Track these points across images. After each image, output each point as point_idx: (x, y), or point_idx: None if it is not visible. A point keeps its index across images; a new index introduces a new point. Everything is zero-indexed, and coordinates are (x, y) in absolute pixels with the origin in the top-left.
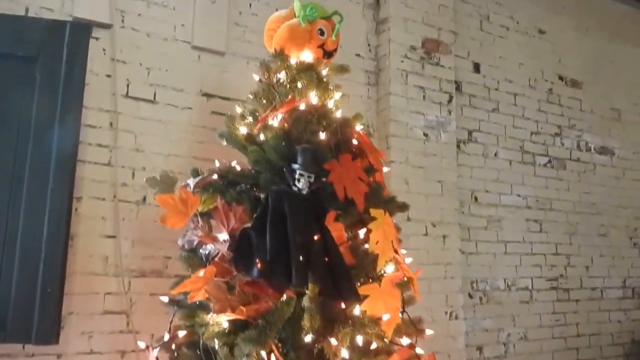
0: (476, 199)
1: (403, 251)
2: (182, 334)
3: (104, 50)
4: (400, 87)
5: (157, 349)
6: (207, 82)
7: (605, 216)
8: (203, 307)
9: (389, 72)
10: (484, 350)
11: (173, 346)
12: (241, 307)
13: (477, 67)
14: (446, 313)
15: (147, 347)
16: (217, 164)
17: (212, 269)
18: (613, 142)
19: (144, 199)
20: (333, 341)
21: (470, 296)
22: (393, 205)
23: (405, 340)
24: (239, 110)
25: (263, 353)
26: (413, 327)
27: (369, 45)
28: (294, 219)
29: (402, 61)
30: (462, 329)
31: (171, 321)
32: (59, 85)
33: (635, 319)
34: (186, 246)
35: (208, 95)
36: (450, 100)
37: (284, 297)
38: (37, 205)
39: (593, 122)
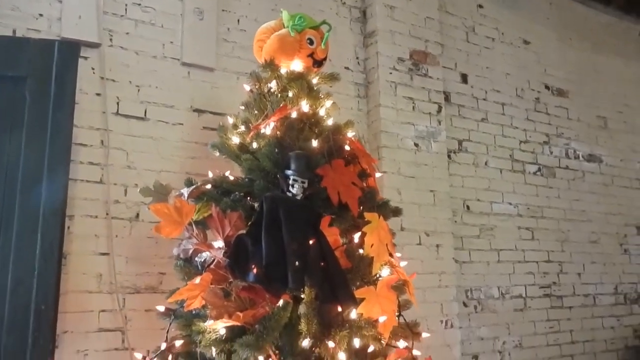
0: (468, 207)
1: (398, 254)
2: (179, 343)
3: (92, 69)
4: (390, 99)
5: (154, 359)
6: (197, 98)
7: (595, 223)
8: (199, 315)
9: (378, 84)
10: (480, 359)
11: (170, 357)
12: (238, 313)
13: (464, 78)
14: (441, 322)
15: (144, 357)
16: (210, 174)
17: (208, 276)
18: (600, 150)
19: (137, 215)
20: (330, 344)
21: (465, 305)
22: (387, 210)
23: (402, 344)
24: (230, 120)
25: (261, 358)
26: (409, 330)
27: (357, 58)
28: (289, 224)
29: (391, 73)
30: (458, 338)
31: (167, 331)
32: (49, 105)
33: (628, 325)
34: (181, 255)
35: (199, 111)
36: (439, 111)
37: (281, 302)
38: (30, 223)
39: (580, 131)
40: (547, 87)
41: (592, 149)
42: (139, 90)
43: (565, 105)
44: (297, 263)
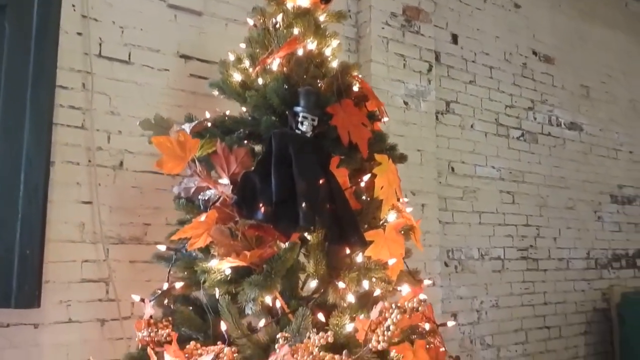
0: (453, 169)
1: (405, 199)
2: (178, 286)
3: (73, 6)
4: (381, 55)
5: (153, 302)
6: (184, 43)
7: (572, 190)
8: (198, 258)
9: (369, 39)
10: (459, 317)
11: (165, 301)
12: (245, 252)
13: (455, 38)
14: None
15: (142, 300)
16: (208, 115)
17: (213, 214)
18: (582, 119)
19: (121, 163)
20: (341, 284)
21: (446, 265)
22: (394, 155)
23: (405, 289)
24: (231, 57)
25: (268, 299)
26: (412, 277)
27: (349, 11)
28: (299, 162)
29: (383, 28)
30: (439, 296)
31: (169, 271)
32: (30, 38)
33: (597, 289)
34: (182, 194)
35: (186, 57)
36: (430, 70)
37: (287, 243)
38: (12, 165)
39: (564, 98)
40: (534, 53)
41: (574, 117)
42: (122, 31)
43: (551, 72)
44: (307, 202)
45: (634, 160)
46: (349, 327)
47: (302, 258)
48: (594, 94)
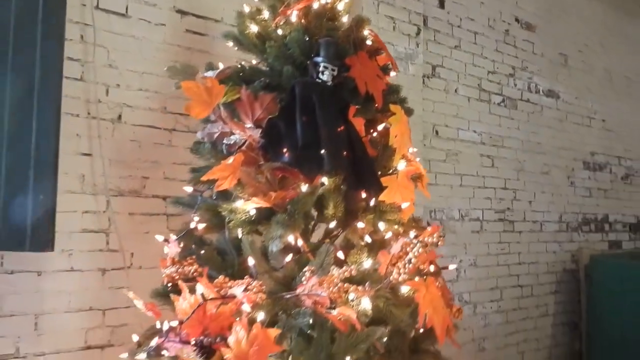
0: (437, 132)
1: (414, 149)
2: (201, 226)
3: None
4: (372, 17)
5: (176, 241)
6: None
7: (548, 156)
8: (224, 198)
9: (360, 0)
10: None
11: (181, 244)
12: (271, 193)
13: (441, 3)
14: None
15: (166, 240)
16: (221, 66)
17: (240, 157)
18: (559, 86)
19: (119, 117)
20: (360, 224)
21: (429, 224)
22: (405, 107)
23: (412, 234)
24: (247, 9)
25: (290, 238)
26: (416, 223)
27: None
28: (322, 109)
29: None
30: None
31: (195, 210)
32: None
33: (567, 251)
34: (206, 139)
35: (182, 12)
36: (418, 33)
37: (306, 186)
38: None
39: (543, 66)
40: (517, 20)
41: (552, 85)
42: None
43: (532, 39)
44: (330, 147)
45: (606, 128)
46: (367, 264)
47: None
48: (572, 63)
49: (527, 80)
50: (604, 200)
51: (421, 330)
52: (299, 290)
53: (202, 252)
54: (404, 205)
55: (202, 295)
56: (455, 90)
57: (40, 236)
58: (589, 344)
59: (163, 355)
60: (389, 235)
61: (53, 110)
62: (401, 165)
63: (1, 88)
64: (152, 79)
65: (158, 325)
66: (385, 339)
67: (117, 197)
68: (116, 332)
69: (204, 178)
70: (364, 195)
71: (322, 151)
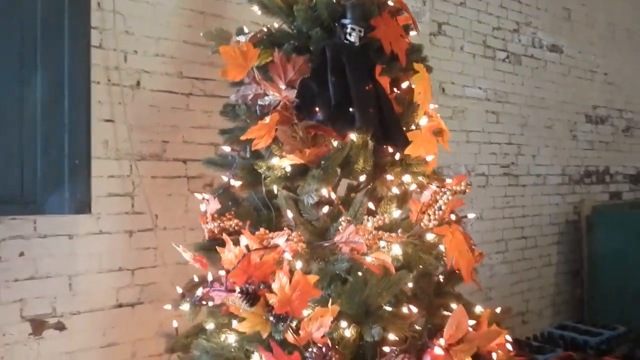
0: (444, 90)
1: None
2: (237, 184)
3: None
4: None
5: (215, 199)
6: None
7: (551, 110)
8: (257, 157)
9: None
10: None
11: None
12: (306, 150)
13: None
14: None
15: (204, 199)
16: (246, 29)
17: (275, 116)
18: (562, 41)
19: (138, 83)
20: (389, 177)
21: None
22: (427, 65)
23: (433, 186)
24: None
25: (324, 191)
26: (437, 176)
27: None
28: (352, 69)
29: None
30: None
31: (233, 167)
32: None
33: (570, 203)
34: (240, 101)
35: None
36: None
37: (336, 143)
38: (57, 82)
39: (546, 21)
40: None
41: (555, 40)
42: None
43: None
44: (361, 105)
45: (607, 82)
46: (396, 214)
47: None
48: (575, 17)
49: (531, 35)
50: (605, 153)
51: (441, 278)
52: (337, 238)
53: (243, 206)
54: (429, 158)
55: (247, 246)
56: (461, 48)
57: (79, 200)
58: (590, 291)
59: (205, 304)
60: (413, 187)
61: (83, 79)
62: (423, 121)
63: (34, 61)
64: (167, 44)
65: (196, 279)
66: (411, 284)
67: (140, 161)
68: (145, 290)
69: (243, 137)
70: (390, 149)
71: (353, 109)
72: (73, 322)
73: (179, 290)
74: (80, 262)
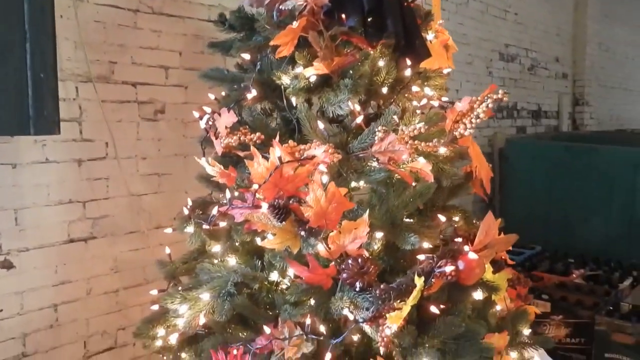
0: None
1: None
2: (250, 96)
3: None
4: None
5: (230, 111)
6: None
7: (471, 46)
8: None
9: None
10: None
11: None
12: (333, 58)
13: None
14: None
15: (214, 112)
16: None
17: (302, 21)
18: None
19: None
20: (415, 88)
21: None
22: None
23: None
24: None
25: (349, 103)
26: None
27: None
28: None
29: None
30: None
31: (252, 80)
32: None
33: (485, 136)
34: (254, 5)
35: None
36: None
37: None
38: None
39: None
40: None
41: None
42: None
43: None
44: (391, 12)
45: (517, 22)
46: (419, 125)
47: None
48: None
49: None
50: (514, 90)
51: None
52: (374, 148)
53: (259, 118)
54: (446, 71)
55: (279, 158)
56: None
57: (46, 118)
58: (503, 217)
59: (217, 225)
60: (424, 102)
61: None
62: (430, 36)
63: None
64: None
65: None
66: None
67: (86, 83)
68: (98, 223)
69: (272, 43)
70: (408, 62)
71: (385, 16)
72: (21, 260)
73: (185, 211)
74: (26, 193)
